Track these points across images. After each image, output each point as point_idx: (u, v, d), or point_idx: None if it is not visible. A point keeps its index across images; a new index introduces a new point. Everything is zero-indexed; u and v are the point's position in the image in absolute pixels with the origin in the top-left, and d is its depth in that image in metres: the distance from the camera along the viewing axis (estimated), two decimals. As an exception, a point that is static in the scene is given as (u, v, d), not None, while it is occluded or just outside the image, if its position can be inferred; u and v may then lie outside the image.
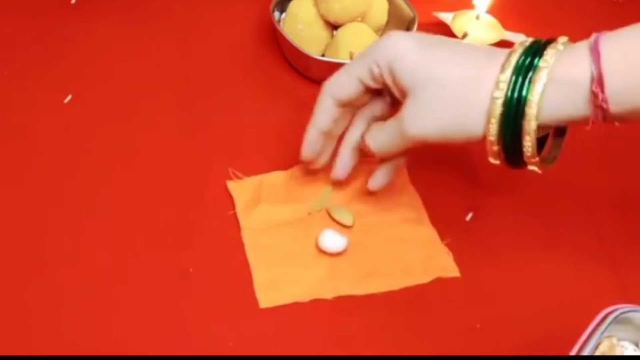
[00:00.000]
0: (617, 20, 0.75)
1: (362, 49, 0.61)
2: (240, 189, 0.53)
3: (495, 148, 0.44)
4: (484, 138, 0.44)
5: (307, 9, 0.63)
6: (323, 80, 0.62)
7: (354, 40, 0.61)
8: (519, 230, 0.54)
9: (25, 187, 0.52)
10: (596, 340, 0.39)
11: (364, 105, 0.51)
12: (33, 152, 0.54)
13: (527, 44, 0.44)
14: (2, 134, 0.55)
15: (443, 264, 0.51)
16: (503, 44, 0.68)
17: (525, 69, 0.42)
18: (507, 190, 0.56)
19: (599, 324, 0.40)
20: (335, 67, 0.60)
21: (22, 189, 0.52)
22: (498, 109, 0.42)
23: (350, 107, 0.50)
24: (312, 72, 0.62)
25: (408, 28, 0.64)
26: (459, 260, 0.51)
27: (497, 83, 0.42)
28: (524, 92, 0.42)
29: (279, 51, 0.65)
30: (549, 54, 0.42)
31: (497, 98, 0.42)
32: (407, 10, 0.65)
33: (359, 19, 0.63)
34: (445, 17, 0.69)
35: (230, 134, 0.58)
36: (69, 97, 0.58)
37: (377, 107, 0.51)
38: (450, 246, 0.52)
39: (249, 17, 0.67)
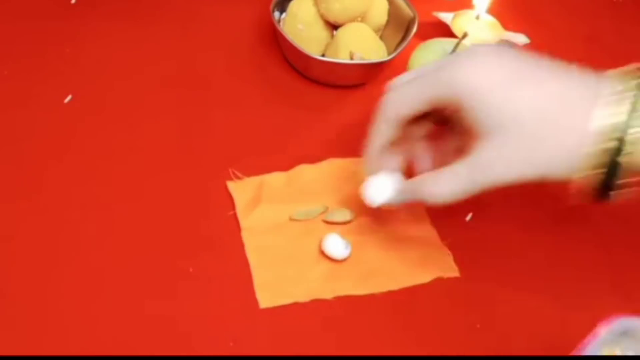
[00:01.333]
0: (617, 20, 0.76)
1: (362, 48, 0.61)
2: (241, 189, 0.53)
3: (582, 187, 0.41)
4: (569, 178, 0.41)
5: (307, 9, 0.63)
6: (323, 80, 0.63)
7: (354, 40, 0.61)
8: (519, 230, 0.54)
9: (25, 187, 0.52)
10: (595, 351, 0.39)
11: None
12: (33, 152, 0.54)
13: (628, 76, 0.40)
14: (2, 134, 0.55)
15: (443, 264, 0.51)
16: (503, 43, 0.68)
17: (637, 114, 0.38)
18: (507, 190, 0.56)
19: (598, 335, 0.39)
20: (335, 67, 0.61)
21: (22, 188, 0.52)
22: (605, 157, 0.39)
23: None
24: (312, 72, 0.62)
25: (408, 28, 0.64)
26: (459, 260, 0.51)
27: (604, 127, 0.39)
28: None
29: (279, 51, 0.65)
30: None
31: (606, 145, 0.39)
32: (407, 10, 0.65)
33: (359, 19, 0.63)
34: (445, 17, 0.69)
35: (230, 134, 0.58)
36: (69, 97, 0.58)
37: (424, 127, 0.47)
38: (450, 246, 0.52)
39: (249, 17, 0.67)
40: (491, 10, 0.69)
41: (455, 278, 0.51)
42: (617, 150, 0.39)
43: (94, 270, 0.48)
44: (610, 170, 0.39)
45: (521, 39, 0.69)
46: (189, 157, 0.56)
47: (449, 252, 0.52)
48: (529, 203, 0.56)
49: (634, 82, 0.39)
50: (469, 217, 0.54)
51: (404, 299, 0.49)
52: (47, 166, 0.54)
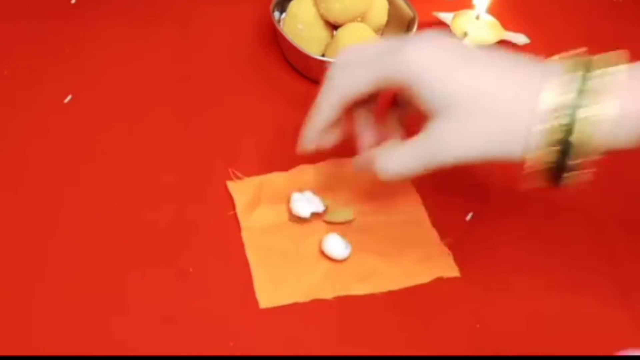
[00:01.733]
0: (617, 20, 0.76)
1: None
2: (241, 189, 0.53)
3: (535, 168, 0.41)
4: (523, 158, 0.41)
5: (307, 9, 0.63)
6: (323, 81, 0.63)
7: (354, 40, 0.61)
8: (519, 230, 0.54)
9: (25, 187, 0.52)
10: None
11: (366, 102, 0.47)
12: (33, 152, 0.54)
13: (570, 59, 0.41)
14: (2, 134, 0.55)
15: (443, 264, 0.51)
16: (503, 43, 0.68)
17: (587, 94, 0.39)
18: (507, 190, 0.56)
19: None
20: (335, 67, 0.61)
21: (22, 189, 0.52)
22: (556, 134, 0.39)
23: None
24: (312, 72, 0.62)
25: (408, 28, 0.64)
26: (459, 260, 0.51)
27: (554, 105, 0.39)
28: (592, 119, 0.39)
29: (279, 51, 0.65)
30: (613, 75, 0.39)
31: (556, 122, 0.39)
32: (407, 10, 0.65)
33: (359, 19, 0.63)
34: (445, 17, 0.69)
35: (231, 134, 0.58)
36: (69, 97, 0.58)
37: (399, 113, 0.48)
38: (450, 246, 0.52)
39: (249, 17, 0.67)
40: (491, 10, 0.69)
41: (455, 278, 0.51)
42: (568, 129, 0.39)
43: (94, 270, 0.48)
44: (562, 150, 0.40)
45: (521, 39, 0.69)
46: (189, 157, 0.56)
47: (449, 252, 0.52)
48: (528, 203, 0.56)
49: (581, 64, 0.40)
50: (469, 217, 0.54)
51: (404, 299, 0.49)
52: (47, 166, 0.54)
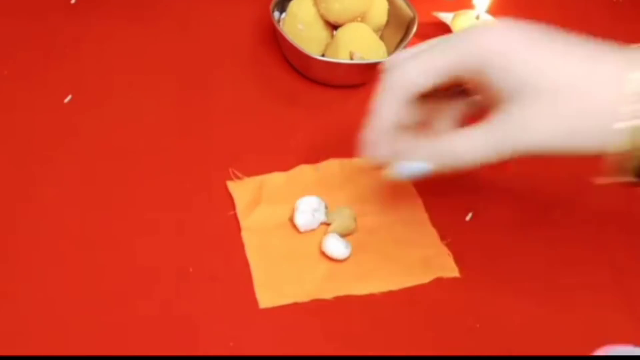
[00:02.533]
0: (617, 20, 0.76)
1: (362, 48, 0.61)
2: (241, 189, 0.53)
3: (616, 165, 0.38)
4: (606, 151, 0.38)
5: (307, 9, 0.63)
6: (323, 80, 0.63)
7: (354, 40, 0.61)
8: (519, 230, 0.54)
9: (24, 187, 0.52)
10: None
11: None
12: (33, 152, 0.54)
13: None
14: (2, 134, 0.55)
15: (443, 264, 0.51)
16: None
17: None
18: (507, 190, 0.56)
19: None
20: (335, 67, 0.61)
21: (21, 188, 0.52)
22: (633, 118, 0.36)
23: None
24: (312, 72, 0.62)
25: (408, 28, 0.64)
26: (459, 260, 0.51)
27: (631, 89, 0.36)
28: None
29: (279, 51, 0.65)
30: None
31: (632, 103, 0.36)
32: (407, 10, 0.65)
33: (359, 19, 0.63)
34: (445, 17, 0.69)
35: (230, 134, 0.58)
36: (69, 97, 0.58)
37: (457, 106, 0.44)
38: (450, 246, 0.52)
39: (249, 17, 0.67)
40: (491, 10, 0.69)
41: (455, 278, 0.51)
42: None
43: (94, 270, 0.48)
44: None
45: (521, 39, 0.69)
46: (189, 157, 0.56)
47: (449, 252, 0.52)
48: (528, 203, 0.56)
49: None
50: (469, 217, 0.54)
51: (404, 299, 0.49)
52: (47, 166, 0.54)
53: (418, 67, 0.40)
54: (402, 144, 0.42)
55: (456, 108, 0.45)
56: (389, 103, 0.41)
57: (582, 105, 0.37)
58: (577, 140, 0.38)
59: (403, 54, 0.43)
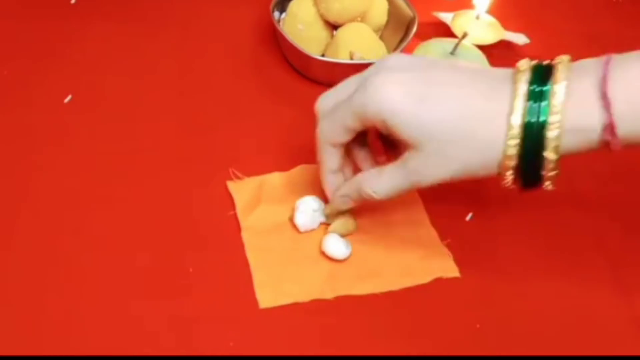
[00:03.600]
0: (616, 20, 0.76)
1: (362, 48, 0.61)
2: (241, 189, 0.53)
3: (510, 178, 0.44)
4: (499, 171, 0.44)
5: (307, 9, 0.63)
6: (323, 80, 0.63)
7: (354, 40, 0.61)
8: (519, 230, 0.54)
9: (24, 187, 0.52)
10: None
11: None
12: (33, 152, 0.54)
13: (528, 71, 0.43)
14: (2, 134, 0.55)
15: (443, 264, 0.51)
16: (503, 43, 0.68)
17: (536, 100, 0.42)
18: (507, 190, 0.56)
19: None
20: (335, 67, 0.61)
21: (21, 188, 0.52)
22: (514, 147, 0.42)
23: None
24: (312, 72, 0.62)
25: (408, 28, 0.64)
26: (459, 260, 0.51)
27: (509, 123, 0.42)
28: (541, 129, 0.42)
29: (279, 51, 0.65)
30: (557, 93, 0.41)
31: (513, 136, 0.42)
32: (407, 10, 0.65)
33: (359, 19, 0.63)
34: (445, 17, 0.69)
35: (231, 134, 0.58)
36: (69, 97, 0.58)
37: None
38: (450, 246, 0.52)
39: (249, 17, 0.67)
40: (491, 10, 0.69)
41: (455, 278, 0.51)
42: (536, 146, 0.42)
43: (94, 270, 0.48)
44: (532, 165, 0.43)
45: (521, 39, 0.69)
46: (189, 157, 0.56)
47: (449, 252, 0.52)
48: (528, 203, 0.56)
49: (527, 74, 0.42)
50: (469, 217, 0.54)
51: (404, 299, 0.49)
52: (46, 166, 0.54)
53: (331, 126, 0.47)
54: (336, 184, 0.50)
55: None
56: (322, 153, 0.48)
57: (469, 146, 0.43)
58: (469, 172, 0.44)
59: (325, 101, 0.48)
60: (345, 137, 0.47)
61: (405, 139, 0.43)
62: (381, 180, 0.46)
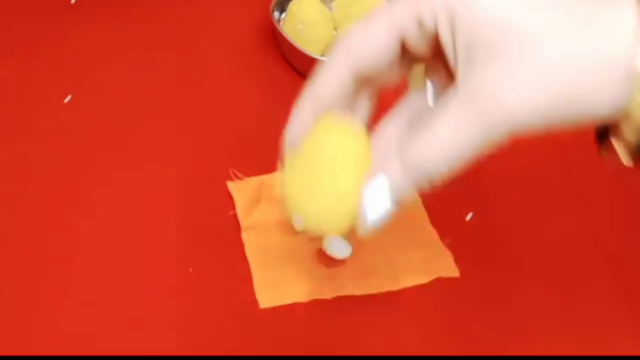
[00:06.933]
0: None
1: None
2: (241, 189, 0.53)
3: (631, 129, 0.28)
4: (611, 117, 0.28)
5: (307, 9, 0.63)
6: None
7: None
8: (519, 230, 0.54)
9: (24, 187, 0.52)
10: None
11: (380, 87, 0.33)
12: (33, 152, 0.54)
13: None
14: (2, 134, 0.55)
15: (443, 264, 0.51)
16: None
17: None
18: (507, 190, 0.56)
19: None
20: (335, 67, 0.61)
21: (21, 188, 0.52)
22: None
23: (365, 88, 0.33)
24: (312, 72, 0.62)
25: (408, 28, 0.64)
26: (459, 260, 0.51)
27: None
28: None
29: (279, 51, 0.65)
30: None
31: None
32: (407, 10, 0.65)
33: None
34: (445, 17, 0.69)
35: (231, 134, 0.58)
36: (69, 97, 0.58)
37: (416, 100, 0.33)
38: (450, 246, 0.52)
39: (249, 17, 0.67)
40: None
41: (455, 278, 0.51)
42: None
43: (94, 270, 0.48)
44: None
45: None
46: (189, 157, 0.56)
47: (449, 252, 0.52)
48: (529, 203, 0.56)
49: None
50: (469, 217, 0.54)
51: (404, 299, 0.49)
52: (47, 166, 0.54)
53: (368, 28, 0.31)
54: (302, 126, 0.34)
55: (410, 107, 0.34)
56: (329, 75, 0.33)
57: (580, 54, 0.27)
58: (571, 104, 0.28)
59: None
60: (382, 49, 0.31)
61: (483, 38, 0.28)
62: (441, 135, 0.29)
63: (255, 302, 0.48)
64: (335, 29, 0.64)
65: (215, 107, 0.60)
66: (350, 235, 0.45)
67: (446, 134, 0.28)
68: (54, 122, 0.57)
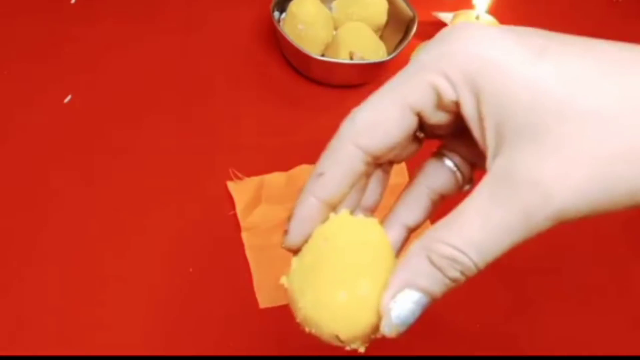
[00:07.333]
0: (617, 20, 0.76)
1: (362, 48, 0.61)
2: (241, 189, 0.53)
3: None
4: None
5: (307, 9, 0.63)
6: (323, 80, 0.63)
7: (354, 40, 0.62)
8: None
9: (24, 187, 0.52)
10: None
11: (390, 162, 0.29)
12: (33, 152, 0.54)
13: None
14: (2, 134, 0.55)
15: (443, 264, 0.51)
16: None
17: None
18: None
19: None
20: (335, 67, 0.61)
21: (21, 188, 0.52)
22: None
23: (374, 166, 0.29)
24: (312, 72, 0.62)
25: (408, 28, 0.64)
26: (459, 260, 0.51)
27: None
28: None
29: (279, 51, 0.65)
30: None
31: None
32: (406, 10, 0.65)
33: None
34: (445, 17, 0.69)
35: (231, 134, 0.58)
36: (68, 97, 0.58)
37: (440, 175, 0.29)
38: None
39: (249, 17, 0.67)
40: (491, 10, 0.69)
41: (455, 278, 0.51)
42: None
43: (94, 270, 0.48)
44: None
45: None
46: (189, 157, 0.56)
47: (449, 252, 0.52)
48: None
49: None
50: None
51: (404, 299, 0.49)
52: (47, 166, 0.54)
53: (378, 103, 0.28)
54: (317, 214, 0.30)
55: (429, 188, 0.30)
56: (337, 163, 0.29)
57: (631, 129, 0.23)
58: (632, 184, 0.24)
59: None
60: (396, 127, 0.27)
61: (505, 111, 0.24)
62: (471, 225, 0.25)
63: (255, 302, 0.48)
64: (335, 29, 0.64)
65: (215, 107, 0.60)
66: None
67: (482, 233, 0.25)
68: (54, 122, 0.57)
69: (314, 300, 0.28)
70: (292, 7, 0.64)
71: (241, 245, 0.51)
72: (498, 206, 0.24)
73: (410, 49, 0.62)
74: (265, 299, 0.48)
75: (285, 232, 0.31)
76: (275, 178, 0.54)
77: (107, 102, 0.59)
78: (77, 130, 0.56)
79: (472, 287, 0.50)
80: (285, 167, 0.55)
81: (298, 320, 0.29)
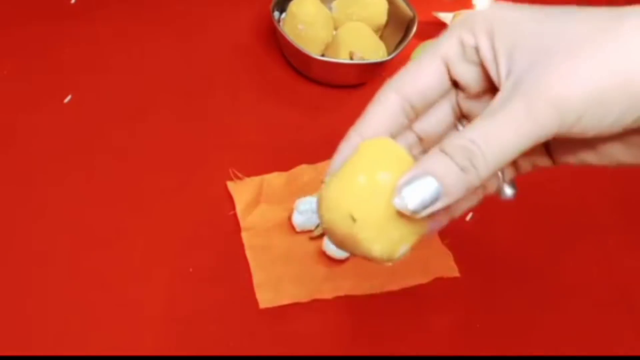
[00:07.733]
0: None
1: (362, 48, 0.61)
2: (241, 189, 0.53)
3: None
4: None
5: (307, 9, 0.63)
6: (323, 80, 0.63)
7: (354, 40, 0.62)
8: (519, 230, 0.54)
9: (25, 187, 0.52)
10: None
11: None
12: (33, 151, 0.54)
13: None
14: (2, 134, 0.55)
15: (443, 264, 0.51)
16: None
17: None
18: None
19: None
20: (335, 67, 0.61)
21: (21, 188, 0.52)
22: None
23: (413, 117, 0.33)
24: (312, 72, 0.62)
25: (408, 28, 0.64)
26: (459, 260, 0.51)
27: None
28: None
29: (279, 51, 0.65)
30: None
31: None
32: (406, 10, 0.65)
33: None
34: (445, 17, 0.69)
35: (231, 134, 0.58)
36: (68, 97, 0.58)
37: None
38: (450, 246, 0.52)
39: (249, 17, 0.67)
40: (491, 10, 0.69)
41: (455, 278, 0.51)
42: None
43: (94, 270, 0.48)
44: None
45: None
46: (189, 157, 0.56)
47: (449, 252, 0.52)
48: (528, 203, 0.56)
49: None
50: (469, 217, 0.54)
51: (404, 299, 0.49)
52: (46, 166, 0.54)
53: (415, 64, 0.32)
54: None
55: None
56: (379, 111, 0.32)
57: (620, 46, 0.27)
58: (625, 85, 0.27)
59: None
60: (431, 79, 0.31)
61: (515, 41, 0.29)
62: (481, 122, 0.28)
63: (255, 302, 0.48)
64: (335, 29, 0.64)
65: (215, 107, 0.60)
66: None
67: (489, 127, 0.28)
68: (54, 122, 0.57)
69: (335, 186, 0.30)
70: (292, 7, 0.64)
71: (241, 245, 0.51)
72: (505, 106, 0.28)
73: (410, 49, 0.62)
74: (265, 299, 0.48)
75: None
76: (275, 178, 0.54)
77: (107, 102, 0.59)
78: (77, 130, 0.56)
79: (472, 286, 0.50)
80: (285, 167, 0.55)
81: (323, 227, 0.31)
